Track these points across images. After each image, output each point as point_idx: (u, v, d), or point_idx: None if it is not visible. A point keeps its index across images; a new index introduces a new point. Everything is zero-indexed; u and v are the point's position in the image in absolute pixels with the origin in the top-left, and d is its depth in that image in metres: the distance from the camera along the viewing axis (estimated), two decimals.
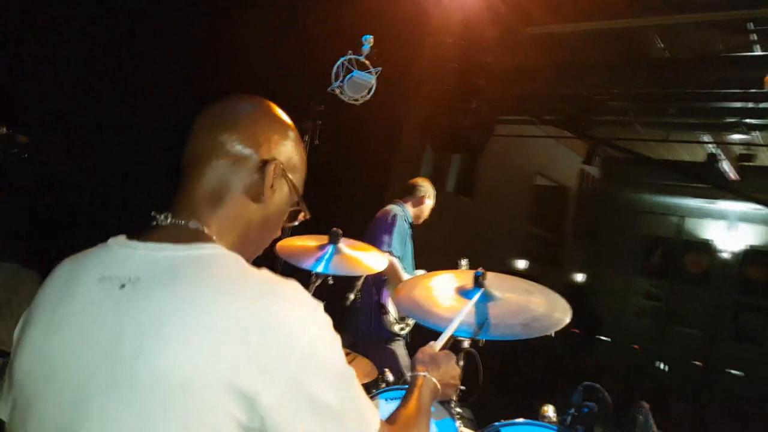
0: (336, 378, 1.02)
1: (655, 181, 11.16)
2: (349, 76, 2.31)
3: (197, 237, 1.08)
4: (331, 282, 2.43)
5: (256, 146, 1.15)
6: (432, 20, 5.03)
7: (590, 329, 9.74)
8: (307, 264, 2.36)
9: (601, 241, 12.18)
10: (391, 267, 3.83)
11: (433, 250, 4.83)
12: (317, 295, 2.35)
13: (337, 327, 1.09)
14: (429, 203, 4.32)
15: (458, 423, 2.13)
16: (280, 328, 0.96)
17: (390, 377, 2.50)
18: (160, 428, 0.92)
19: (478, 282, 2.18)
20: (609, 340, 9.82)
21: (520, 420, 2.14)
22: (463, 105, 5.85)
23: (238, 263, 1.06)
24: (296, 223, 1.31)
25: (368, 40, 2.33)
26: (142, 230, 1.11)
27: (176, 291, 0.98)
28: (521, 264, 10.79)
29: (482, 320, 2.07)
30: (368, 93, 2.37)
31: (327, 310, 1.05)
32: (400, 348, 3.88)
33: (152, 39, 3.41)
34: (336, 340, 1.05)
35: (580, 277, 12.03)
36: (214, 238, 1.10)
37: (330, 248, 2.42)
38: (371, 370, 2.48)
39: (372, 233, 4.00)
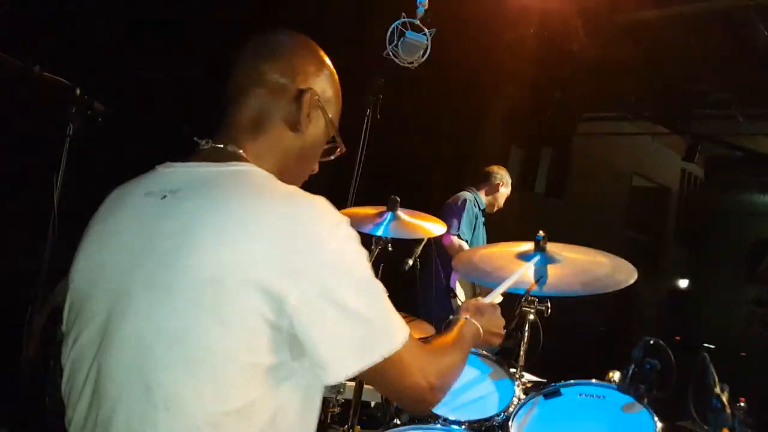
0: (364, 285, 1.06)
1: (763, 179, 10.36)
2: (402, 38, 2.32)
3: (234, 157, 1.16)
4: (390, 249, 2.45)
5: (292, 75, 1.21)
6: (511, 10, 4.94)
7: (694, 337, 9.16)
8: (366, 229, 2.41)
9: (705, 246, 11.42)
10: (458, 249, 3.80)
11: None
12: (378, 261, 2.38)
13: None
14: (504, 191, 4.25)
15: (517, 383, 2.09)
16: (308, 234, 1.01)
17: None
18: (192, 319, 0.99)
19: (539, 246, 2.17)
20: (713, 347, 9.18)
21: (581, 381, 2.06)
22: (546, 96, 5.70)
23: (270, 178, 1.12)
24: (332, 158, 1.34)
25: (422, 3, 2.34)
26: (186, 157, 1.19)
27: (212, 197, 1.06)
28: None
29: (539, 277, 2.06)
30: (423, 55, 2.37)
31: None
32: None
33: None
34: (362, 253, 1.08)
35: (683, 284, 11.34)
36: (251, 160, 1.16)
37: (388, 215, 2.47)
38: (429, 330, 2.51)
39: (441, 218, 3.98)
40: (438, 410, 2.03)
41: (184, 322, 0.99)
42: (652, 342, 1.88)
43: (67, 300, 1.19)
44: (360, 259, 1.07)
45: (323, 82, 1.24)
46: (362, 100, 2.70)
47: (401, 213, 2.47)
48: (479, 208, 4.12)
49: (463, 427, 1.96)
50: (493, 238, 4.97)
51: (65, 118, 1.97)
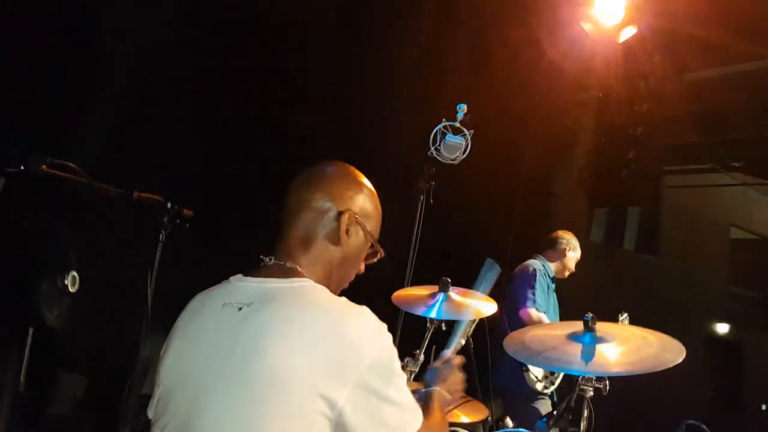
0: (395, 379, 1.28)
1: None
2: (443, 140, 2.57)
3: (293, 273, 1.41)
4: (444, 328, 2.60)
5: (332, 200, 1.46)
6: (574, 73, 5.08)
7: None
8: (419, 311, 2.58)
9: None
10: (538, 320, 3.84)
11: (611, 313, 4.62)
12: (432, 341, 2.54)
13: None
14: (572, 255, 4.26)
15: None
16: (353, 342, 1.25)
17: (509, 423, 2.57)
18: (262, 409, 1.22)
19: (587, 327, 2.24)
20: None
21: None
22: (620, 155, 5.74)
23: (324, 292, 1.37)
24: (374, 261, 1.59)
25: (462, 108, 2.59)
26: (253, 270, 1.46)
27: (277, 309, 1.31)
28: (722, 328, 9.76)
29: (587, 357, 2.15)
30: (463, 153, 2.59)
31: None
32: (544, 407, 3.83)
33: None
34: (395, 351, 1.31)
35: None
36: (305, 273, 1.42)
37: (441, 296, 2.61)
38: (482, 411, 2.61)
39: (512, 290, 4.05)
40: None
41: (256, 412, 1.22)
42: (693, 426, 1.92)
43: (155, 393, 1.43)
44: (394, 359, 1.30)
45: (361, 201, 1.50)
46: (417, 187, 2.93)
47: (452, 293, 2.60)
48: (549, 276, 4.15)
49: None
50: (581, 295, 4.94)
51: (158, 227, 2.32)
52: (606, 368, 2.14)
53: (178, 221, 2.39)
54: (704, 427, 1.79)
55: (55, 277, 2.65)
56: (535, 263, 4.14)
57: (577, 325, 2.30)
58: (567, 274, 4.28)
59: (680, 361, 2.09)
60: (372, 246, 1.54)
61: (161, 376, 1.41)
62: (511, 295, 4.06)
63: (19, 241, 2.86)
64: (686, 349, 2.06)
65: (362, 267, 1.57)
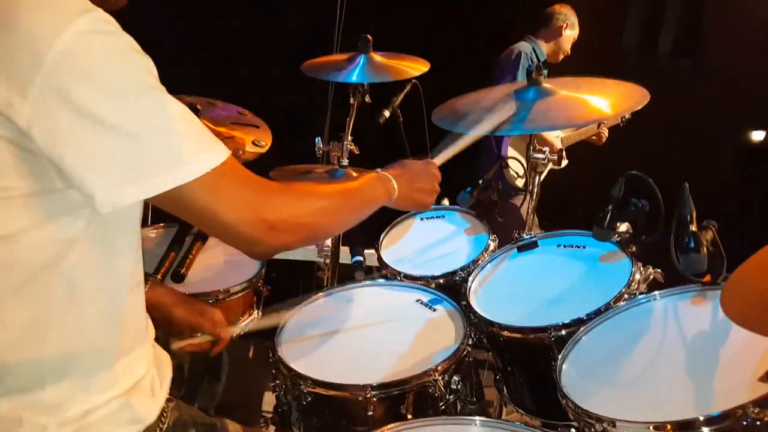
0: (124, 94, 0.87)
1: None
2: None
3: None
4: (369, 101, 2.19)
5: None
6: None
7: None
8: (334, 77, 2.14)
9: None
10: None
11: (645, 126, 4.07)
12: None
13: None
14: (569, 34, 3.69)
15: (492, 237, 1.89)
16: (30, 30, 0.83)
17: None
18: None
19: (531, 80, 1.81)
20: None
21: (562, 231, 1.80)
22: None
23: None
24: None
25: None
26: None
27: None
28: (758, 135, 9.04)
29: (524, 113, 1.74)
30: None
31: None
32: (525, 204, 3.48)
33: None
34: (126, 45, 0.89)
35: None
36: None
37: (360, 58, 2.13)
38: None
39: (494, 79, 3.55)
40: (399, 266, 1.83)
41: None
42: (633, 176, 1.52)
43: None
44: (117, 60, 0.87)
45: None
46: None
47: (375, 55, 2.13)
48: (539, 61, 3.60)
49: (421, 283, 1.74)
50: None
51: None
52: (540, 124, 1.75)
53: None
54: (646, 177, 1.40)
55: None
56: (522, 45, 3.60)
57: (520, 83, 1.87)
58: (561, 57, 3.74)
59: (640, 107, 1.66)
60: None
61: None
62: (494, 83, 3.57)
63: None
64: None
65: None
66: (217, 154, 0.93)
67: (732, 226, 1.69)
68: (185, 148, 0.90)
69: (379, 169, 1.32)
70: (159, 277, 1.73)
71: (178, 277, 1.74)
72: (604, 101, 1.71)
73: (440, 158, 1.51)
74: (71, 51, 0.83)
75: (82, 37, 0.84)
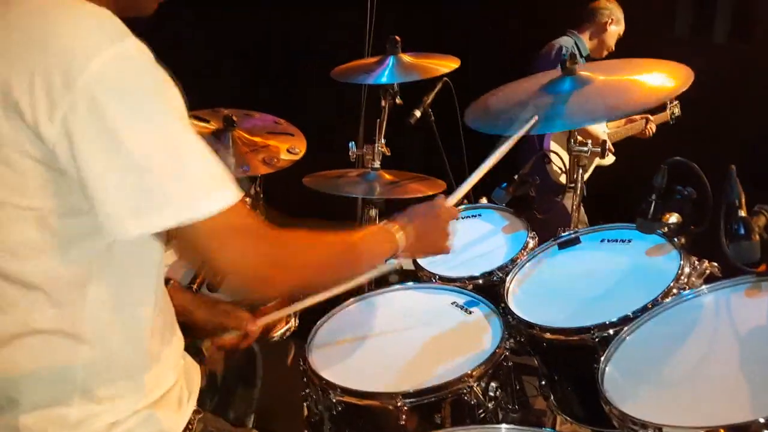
0: (148, 121, 0.85)
1: None
2: None
3: None
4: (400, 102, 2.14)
5: None
6: None
7: None
8: (363, 79, 2.11)
9: None
10: None
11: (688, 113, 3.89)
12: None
13: None
14: (614, 29, 3.55)
15: (531, 234, 1.80)
16: (62, 50, 0.83)
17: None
18: None
19: (565, 69, 1.71)
20: None
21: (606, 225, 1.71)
22: None
23: None
24: None
25: None
26: None
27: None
28: None
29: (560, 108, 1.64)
30: None
31: None
32: (569, 200, 3.35)
33: None
34: (147, 68, 0.87)
35: None
36: None
37: (390, 59, 2.09)
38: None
39: (534, 74, 3.44)
40: (434, 268, 1.77)
41: None
42: (677, 162, 1.41)
43: None
44: (142, 75, 0.86)
45: None
46: None
47: (404, 56, 2.08)
48: (581, 56, 3.47)
49: (457, 285, 1.67)
50: None
51: None
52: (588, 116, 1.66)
53: None
54: (691, 163, 1.30)
55: None
56: (563, 40, 3.48)
57: (554, 73, 1.79)
58: (605, 53, 3.59)
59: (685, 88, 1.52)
60: None
61: None
62: None
63: None
64: None
65: None
66: (223, 197, 0.89)
67: None
68: (188, 188, 0.88)
69: (385, 221, 1.27)
70: (195, 287, 1.73)
71: (213, 287, 1.74)
72: (648, 85, 1.61)
73: (454, 196, 1.39)
74: (103, 75, 0.83)
75: (114, 62, 0.84)
